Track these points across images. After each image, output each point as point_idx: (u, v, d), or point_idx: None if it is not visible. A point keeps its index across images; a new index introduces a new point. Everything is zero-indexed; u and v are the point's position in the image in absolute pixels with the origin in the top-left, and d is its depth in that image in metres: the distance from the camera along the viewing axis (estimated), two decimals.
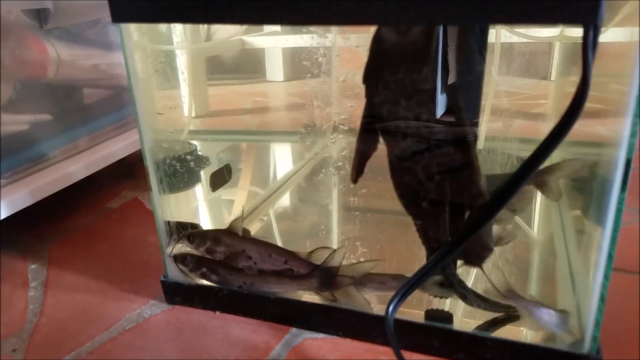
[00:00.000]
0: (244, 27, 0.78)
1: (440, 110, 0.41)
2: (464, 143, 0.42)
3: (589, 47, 0.28)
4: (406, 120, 0.42)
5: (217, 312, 0.51)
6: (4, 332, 0.50)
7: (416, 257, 0.46)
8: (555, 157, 0.64)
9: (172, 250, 0.51)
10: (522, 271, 0.51)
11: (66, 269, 0.61)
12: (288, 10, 0.34)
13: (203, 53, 0.77)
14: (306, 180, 0.76)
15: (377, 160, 0.45)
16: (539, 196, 0.65)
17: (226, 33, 0.80)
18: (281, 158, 0.85)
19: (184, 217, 0.53)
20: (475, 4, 0.29)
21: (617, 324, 0.46)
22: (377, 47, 0.40)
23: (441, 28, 0.38)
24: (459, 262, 0.44)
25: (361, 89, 0.42)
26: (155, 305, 0.53)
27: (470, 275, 0.46)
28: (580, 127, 0.31)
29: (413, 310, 0.45)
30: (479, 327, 0.44)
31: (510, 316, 0.44)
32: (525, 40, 0.65)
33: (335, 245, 0.56)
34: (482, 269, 0.44)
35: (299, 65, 0.59)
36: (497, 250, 0.45)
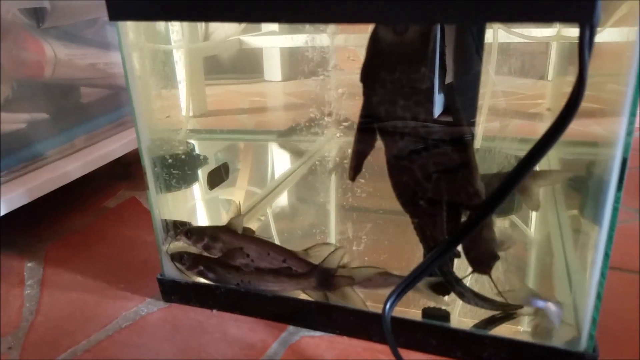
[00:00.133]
0: (242, 26, 0.78)
1: (437, 110, 0.41)
2: (462, 143, 0.42)
3: (585, 46, 0.28)
4: (404, 119, 0.42)
5: (214, 311, 0.51)
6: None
7: (413, 255, 0.46)
8: (551, 156, 0.64)
9: (168, 247, 0.51)
10: (519, 270, 0.51)
11: (62, 268, 0.61)
12: (286, 9, 0.34)
13: (201, 53, 0.77)
14: (303, 179, 0.76)
15: (375, 159, 0.45)
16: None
17: (224, 33, 0.80)
18: (279, 157, 0.85)
19: (181, 216, 0.53)
20: (473, 3, 0.29)
21: (614, 323, 0.46)
22: (375, 47, 0.41)
23: (438, 27, 0.38)
24: (468, 271, 0.44)
25: (359, 89, 0.43)
26: (151, 304, 0.53)
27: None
28: (576, 127, 0.31)
29: (410, 310, 0.45)
30: (477, 325, 0.44)
31: (508, 314, 0.44)
32: (522, 40, 0.65)
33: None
34: (490, 276, 0.44)
35: (296, 65, 0.59)
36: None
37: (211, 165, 0.65)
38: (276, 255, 0.48)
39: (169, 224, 0.52)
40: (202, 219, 0.66)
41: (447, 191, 0.43)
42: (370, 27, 0.40)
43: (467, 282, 0.45)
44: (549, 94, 0.76)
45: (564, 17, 0.28)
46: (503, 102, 0.61)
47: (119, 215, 0.76)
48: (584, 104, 0.29)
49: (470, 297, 0.44)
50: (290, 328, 0.48)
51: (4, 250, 0.66)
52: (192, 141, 0.65)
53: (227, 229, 0.50)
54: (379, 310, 0.41)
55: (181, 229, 0.51)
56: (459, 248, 0.44)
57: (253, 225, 0.65)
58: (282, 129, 0.81)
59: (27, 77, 0.67)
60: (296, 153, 0.80)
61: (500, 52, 0.59)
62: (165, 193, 0.52)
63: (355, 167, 0.46)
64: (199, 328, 0.49)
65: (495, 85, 0.60)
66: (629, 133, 0.33)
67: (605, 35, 0.37)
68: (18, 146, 0.66)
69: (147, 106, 0.50)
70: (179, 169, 0.55)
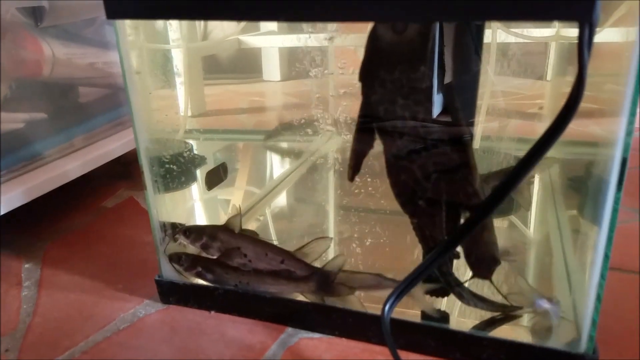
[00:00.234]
0: (241, 26, 0.78)
1: (436, 109, 0.41)
2: (461, 142, 0.42)
3: (584, 46, 0.27)
4: (403, 119, 0.42)
5: (213, 312, 0.51)
6: None
7: (412, 255, 0.46)
8: (550, 156, 0.64)
9: (166, 247, 0.51)
10: (519, 271, 0.51)
11: (60, 269, 0.61)
12: (285, 7, 0.33)
13: (199, 52, 0.77)
14: (302, 179, 0.76)
15: (373, 158, 0.45)
16: (536, 196, 0.65)
17: (222, 32, 0.80)
18: (277, 157, 0.85)
19: (180, 217, 0.53)
20: (472, 1, 0.29)
21: (614, 324, 0.46)
22: (374, 46, 0.40)
23: (437, 26, 0.38)
24: (469, 276, 0.44)
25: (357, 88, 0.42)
26: (150, 305, 0.53)
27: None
28: (575, 127, 0.31)
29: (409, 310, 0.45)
30: (476, 327, 0.44)
31: (507, 315, 0.44)
32: (521, 40, 0.65)
33: (332, 246, 0.56)
34: (491, 281, 0.44)
35: (295, 65, 0.59)
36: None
37: (209, 165, 0.65)
38: (274, 256, 0.48)
39: (167, 225, 0.52)
40: (200, 220, 0.66)
41: (446, 191, 0.43)
42: (368, 26, 0.40)
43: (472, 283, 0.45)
44: (548, 94, 0.75)
45: (563, 16, 0.28)
46: (502, 102, 0.61)
47: (118, 215, 0.75)
48: (583, 104, 0.29)
49: (469, 298, 0.44)
50: (289, 329, 0.48)
51: (2, 251, 0.66)
52: (190, 141, 0.65)
53: (226, 228, 0.50)
54: (378, 312, 0.41)
55: (179, 227, 0.51)
56: (459, 249, 0.44)
57: (252, 225, 0.64)
58: (269, 129, 0.81)
59: (26, 76, 0.67)
60: (285, 154, 0.80)
61: (499, 52, 0.59)
62: (163, 193, 0.51)
63: (354, 167, 0.46)
64: (197, 330, 0.49)
65: (494, 85, 0.60)
66: (629, 133, 0.33)
67: (603, 35, 0.37)
68: (17, 146, 0.65)
69: (145, 106, 0.50)
70: (177, 169, 0.55)
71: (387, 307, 0.39)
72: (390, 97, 0.41)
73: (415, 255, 0.46)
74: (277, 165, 0.83)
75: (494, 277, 0.44)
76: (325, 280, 0.46)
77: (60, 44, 0.71)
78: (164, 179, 0.51)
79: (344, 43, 0.42)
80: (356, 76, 0.42)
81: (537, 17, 0.28)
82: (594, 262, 0.37)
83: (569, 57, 0.67)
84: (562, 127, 0.30)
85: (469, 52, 0.43)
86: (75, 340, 0.48)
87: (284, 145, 0.80)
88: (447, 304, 0.46)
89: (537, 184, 0.66)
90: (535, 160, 0.32)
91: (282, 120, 0.81)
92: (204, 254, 0.51)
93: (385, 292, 0.41)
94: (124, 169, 0.91)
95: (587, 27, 0.27)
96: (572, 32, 0.29)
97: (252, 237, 0.50)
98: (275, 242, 0.52)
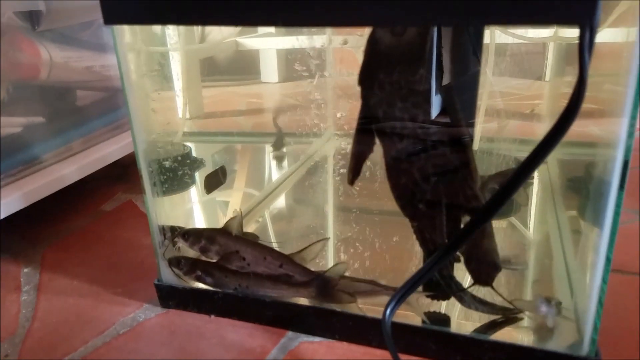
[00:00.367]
0: (238, 28, 0.78)
1: (435, 111, 0.41)
2: (460, 144, 0.42)
3: (585, 48, 0.27)
4: (402, 121, 0.41)
5: (212, 316, 0.51)
6: None
7: (412, 256, 0.46)
8: (551, 157, 0.64)
9: (165, 250, 0.51)
10: (519, 273, 0.51)
11: (59, 273, 0.61)
12: (283, 12, 0.33)
13: (197, 54, 0.77)
14: (301, 182, 0.75)
15: (373, 161, 0.45)
16: (536, 197, 0.65)
17: (220, 34, 0.80)
18: (276, 160, 0.85)
19: (178, 220, 0.53)
20: (471, 5, 0.29)
21: (614, 325, 0.46)
22: (373, 49, 0.40)
23: (436, 29, 0.38)
24: (469, 282, 0.44)
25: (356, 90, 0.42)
26: (149, 309, 0.53)
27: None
28: (574, 127, 0.31)
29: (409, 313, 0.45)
30: (477, 330, 0.44)
31: (508, 318, 0.44)
32: (519, 41, 0.65)
33: (332, 249, 0.56)
34: (492, 287, 0.43)
35: (293, 66, 0.59)
36: None
37: (208, 167, 0.64)
38: (273, 259, 0.48)
39: (166, 228, 0.51)
40: (199, 223, 0.66)
41: (446, 193, 0.43)
42: (367, 30, 0.40)
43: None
44: (546, 95, 0.75)
45: (564, 19, 0.28)
46: (501, 102, 0.61)
47: (116, 218, 0.75)
48: (583, 105, 0.29)
49: (470, 301, 0.44)
50: (289, 333, 0.48)
51: (1, 256, 0.65)
52: (188, 144, 0.65)
53: (224, 231, 0.50)
54: (378, 315, 0.40)
55: (179, 230, 0.51)
56: (459, 253, 0.43)
57: (251, 227, 0.64)
58: (273, 139, 0.81)
59: (23, 80, 0.67)
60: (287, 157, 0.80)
61: (497, 53, 0.59)
62: (162, 197, 0.51)
63: (354, 170, 0.46)
64: (196, 334, 0.49)
65: (492, 86, 0.60)
66: (630, 135, 0.33)
67: (602, 35, 0.37)
68: (14, 150, 0.65)
69: (143, 109, 0.50)
70: (176, 172, 0.54)
71: (388, 311, 0.39)
72: (389, 99, 0.41)
73: (416, 255, 0.46)
74: (275, 167, 0.83)
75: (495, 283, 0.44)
76: (325, 286, 0.45)
77: (57, 47, 0.71)
78: (162, 182, 0.51)
79: (358, 44, 0.42)
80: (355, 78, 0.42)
81: (538, 20, 0.28)
82: (595, 265, 0.37)
83: (567, 57, 0.67)
84: (564, 129, 0.29)
85: (468, 53, 0.43)
86: (74, 345, 0.48)
87: (289, 150, 0.80)
88: (448, 306, 0.46)
89: (536, 184, 0.66)
90: (536, 163, 0.31)
91: (281, 124, 0.81)
92: (203, 258, 0.51)
93: (379, 299, 0.40)
94: (122, 172, 0.91)
95: (588, 29, 0.27)
96: (570, 32, 0.29)
97: (250, 241, 0.50)
98: (274, 245, 0.52)
